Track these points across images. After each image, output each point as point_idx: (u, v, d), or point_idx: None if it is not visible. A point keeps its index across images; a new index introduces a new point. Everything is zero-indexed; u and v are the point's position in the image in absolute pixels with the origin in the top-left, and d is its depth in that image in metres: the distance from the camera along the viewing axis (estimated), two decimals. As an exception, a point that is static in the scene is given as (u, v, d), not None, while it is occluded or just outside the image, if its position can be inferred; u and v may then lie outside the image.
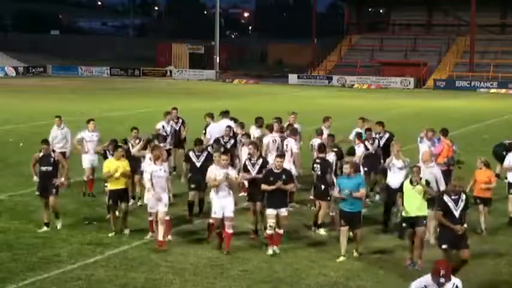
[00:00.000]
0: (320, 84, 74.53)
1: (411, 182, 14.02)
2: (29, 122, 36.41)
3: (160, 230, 14.77)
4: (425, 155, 15.72)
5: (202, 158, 17.10)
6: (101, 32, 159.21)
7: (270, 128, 19.49)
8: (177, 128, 23.09)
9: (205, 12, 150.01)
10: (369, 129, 19.92)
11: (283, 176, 14.63)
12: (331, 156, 16.95)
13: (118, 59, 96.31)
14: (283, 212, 14.69)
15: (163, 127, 22.29)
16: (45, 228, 15.99)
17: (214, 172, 14.68)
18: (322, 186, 16.26)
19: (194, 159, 17.20)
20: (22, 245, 14.90)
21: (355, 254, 14.40)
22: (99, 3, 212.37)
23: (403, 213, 14.00)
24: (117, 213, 16.05)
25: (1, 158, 25.83)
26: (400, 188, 14.42)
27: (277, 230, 14.62)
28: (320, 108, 47.08)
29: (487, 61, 73.85)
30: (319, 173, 16.39)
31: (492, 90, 67.42)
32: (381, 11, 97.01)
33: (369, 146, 19.26)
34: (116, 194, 15.86)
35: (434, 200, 13.74)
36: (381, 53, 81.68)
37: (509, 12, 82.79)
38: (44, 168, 16.13)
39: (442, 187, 14.85)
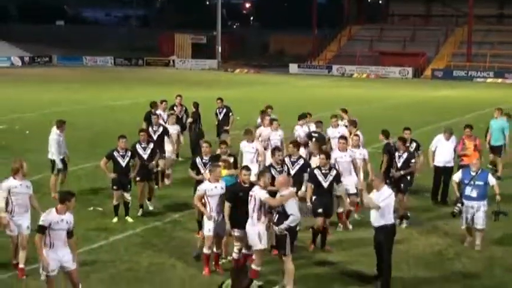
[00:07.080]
0: (320, 73, 75.41)
1: None
2: (35, 111, 36.85)
3: (22, 255, 12.46)
4: (280, 182, 12.18)
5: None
6: (105, 22, 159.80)
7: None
8: (180, 116, 23.59)
9: (207, 3, 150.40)
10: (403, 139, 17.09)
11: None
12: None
13: (122, 49, 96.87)
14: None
15: (160, 115, 22.02)
16: None
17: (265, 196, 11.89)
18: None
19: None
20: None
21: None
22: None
23: None
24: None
25: (8, 146, 26.10)
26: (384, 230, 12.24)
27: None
28: (320, 97, 48.17)
29: (484, 51, 74.59)
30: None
31: (489, 80, 68.28)
32: (380, 2, 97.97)
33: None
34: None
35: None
36: (380, 43, 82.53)
37: (506, 3, 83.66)
38: None
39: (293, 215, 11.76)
